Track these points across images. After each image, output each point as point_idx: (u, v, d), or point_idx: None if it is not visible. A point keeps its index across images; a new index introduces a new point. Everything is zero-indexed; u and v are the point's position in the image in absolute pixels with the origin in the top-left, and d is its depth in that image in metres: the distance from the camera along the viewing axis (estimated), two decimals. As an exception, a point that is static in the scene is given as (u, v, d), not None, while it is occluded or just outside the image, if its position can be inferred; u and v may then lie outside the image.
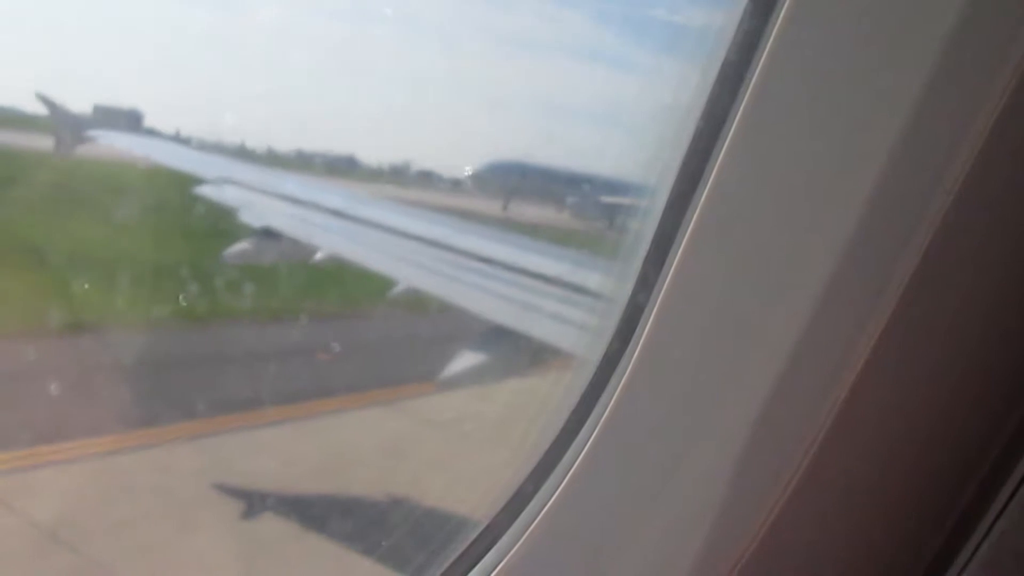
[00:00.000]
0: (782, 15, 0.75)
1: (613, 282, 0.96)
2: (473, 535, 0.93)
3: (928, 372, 0.78)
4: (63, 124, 5.17)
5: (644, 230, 0.88)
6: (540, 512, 0.88)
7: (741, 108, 0.77)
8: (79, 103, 5.15)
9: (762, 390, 0.78)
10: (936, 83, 0.71)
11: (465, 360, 4.03)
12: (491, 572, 0.89)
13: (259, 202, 5.35)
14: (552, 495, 0.87)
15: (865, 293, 0.75)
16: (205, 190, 5.32)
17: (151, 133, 5.65)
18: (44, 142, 5.20)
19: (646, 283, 0.85)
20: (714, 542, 0.81)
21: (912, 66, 0.71)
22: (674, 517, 0.83)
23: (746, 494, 0.80)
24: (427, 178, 5.49)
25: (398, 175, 5.64)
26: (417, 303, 4.65)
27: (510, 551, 0.89)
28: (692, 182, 0.81)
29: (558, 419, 0.92)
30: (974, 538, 0.81)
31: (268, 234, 5.07)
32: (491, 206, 5.64)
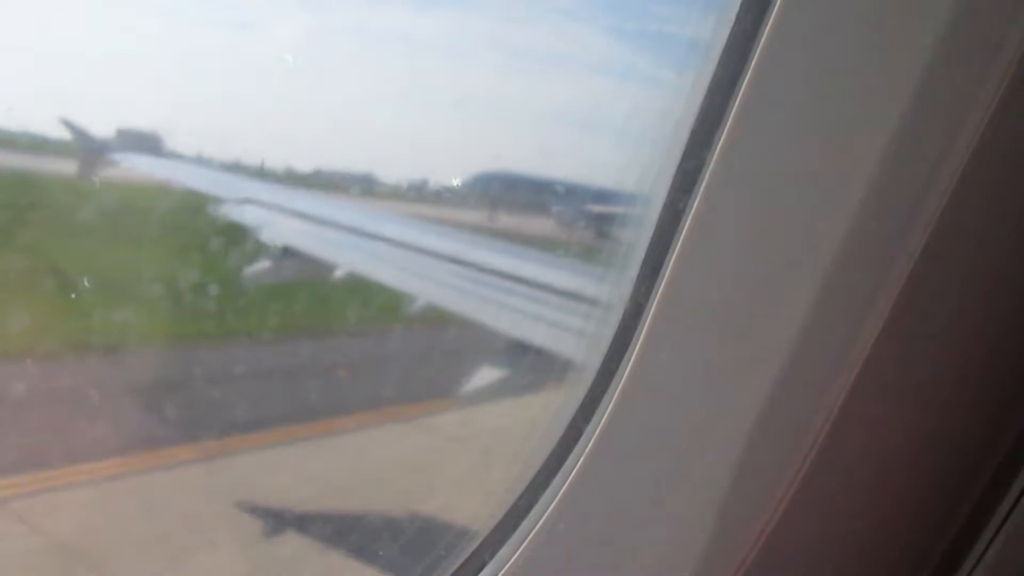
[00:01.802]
0: (772, 20, 0.75)
1: (613, 291, 0.96)
2: (472, 546, 0.92)
3: (927, 374, 0.77)
4: (86, 148, 5.27)
5: (640, 239, 0.88)
6: (539, 521, 0.87)
7: (732, 115, 0.77)
8: (101, 127, 5.23)
9: (759, 395, 0.77)
10: (928, 85, 0.70)
11: (484, 375, 4.04)
12: (490, 583, 0.89)
13: (278, 221, 5.40)
14: (551, 504, 0.87)
15: (861, 297, 0.74)
16: (225, 210, 5.38)
17: (172, 155, 5.73)
18: (68, 166, 5.29)
19: (641, 292, 0.85)
20: (714, 549, 0.81)
21: (904, 68, 0.71)
22: (673, 524, 0.82)
23: (745, 501, 0.79)
24: (441, 193, 5.52)
25: (414, 191, 5.68)
26: (435, 318, 4.67)
27: (509, 561, 0.88)
28: (685, 189, 0.81)
29: (558, 428, 0.92)
30: (979, 544, 0.80)
31: (288, 252, 5.11)
32: (503, 219, 5.66)
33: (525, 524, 0.89)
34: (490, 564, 0.91)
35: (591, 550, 0.85)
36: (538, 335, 3.62)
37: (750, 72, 0.76)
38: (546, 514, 0.87)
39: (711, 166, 0.78)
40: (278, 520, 3.83)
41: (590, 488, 0.85)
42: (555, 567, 0.88)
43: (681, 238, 0.80)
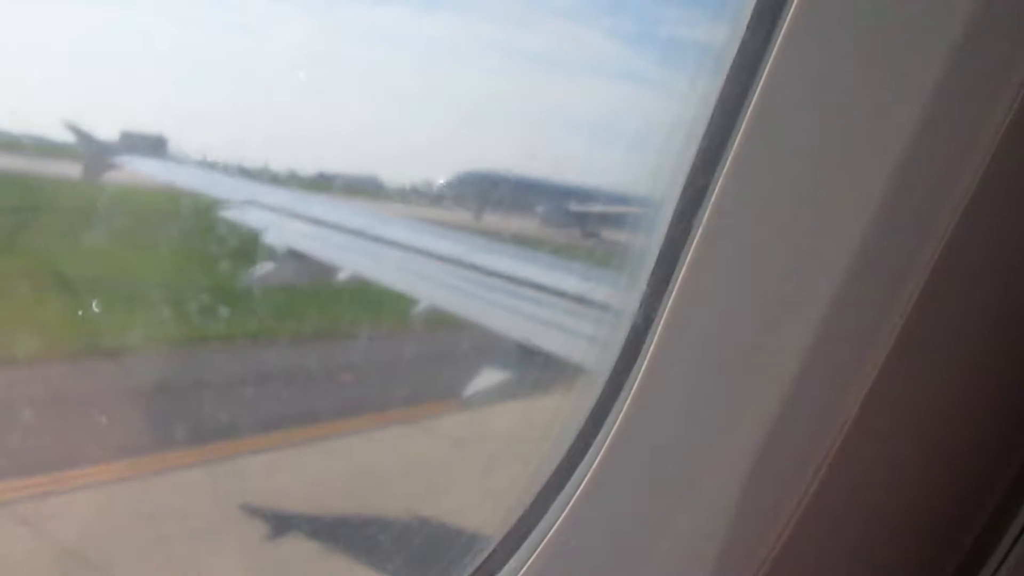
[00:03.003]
0: (784, 30, 0.74)
1: (623, 298, 0.96)
2: (482, 556, 0.92)
3: (939, 386, 0.77)
4: (90, 151, 5.27)
5: (651, 245, 0.88)
6: (549, 532, 0.87)
7: (743, 125, 0.76)
8: (106, 130, 5.24)
9: (771, 407, 0.77)
10: (942, 97, 0.70)
11: (488, 377, 4.04)
12: (500, 593, 0.89)
13: (282, 224, 5.41)
14: (561, 515, 0.87)
15: (873, 308, 0.74)
16: (230, 213, 5.38)
17: (176, 158, 5.73)
18: (72, 169, 5.29)
19: (652, 301, 0.84)
20: (725, 561, 0.80)
21: (917, 79, 0.70)
22: (684, 536, 0.82)
23: (756, 514, 0.79)
24: (444, 196, 5.52)
25: (417, 194, 5.68)
26: (439, 321, 4.67)
27: (520, 571, 0.88)
28: (696, 198, 0.81)
29: (567, 437, 0.92)
30: (992, 561, 0.79)
31: (292, 255, 5.12)
32: (509, 223, 5.66)
33: (535, 534, 0.88)
34: (502, 572, 0.90)
35: (601, 562, 0.85)
36: (546, 340, 3.62)
37: (762, 81, 0.75)
38: (556, 525, 0.86)
39: (722, 175, 0.77)
40: (284, 524, 3.83)
41: (600, 499, 0.85)
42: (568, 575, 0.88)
43: (692, 247, 0.79)
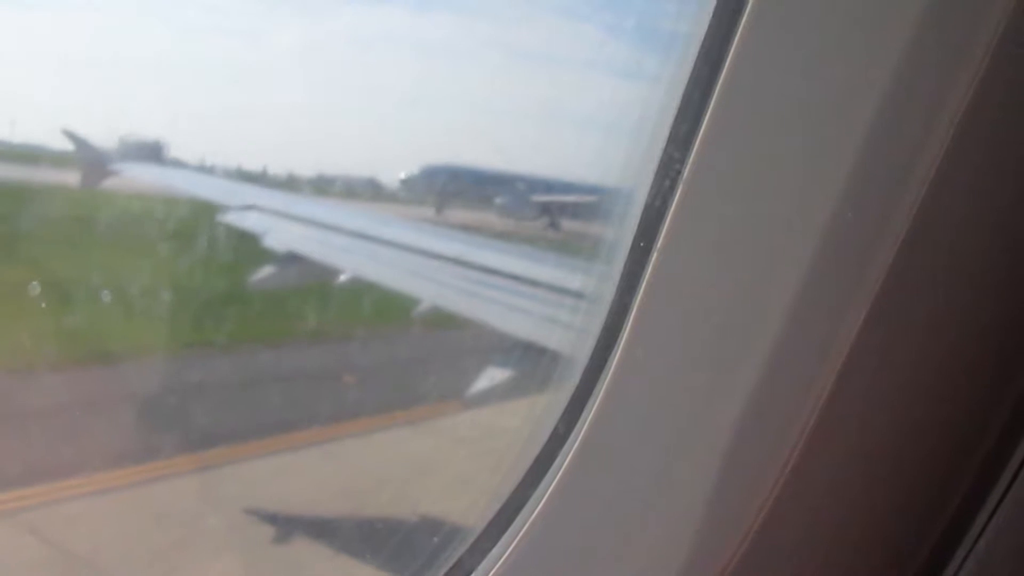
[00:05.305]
0: (748, 14, 0.75)
1: (605, 288, 0.96)
2: (463, 546, 0.92)
3: (911, 365, 0.77)
4: (88, 159, 5.30)
5: (625, 236, 0.88)
6: (528, 521, 0.87)
7: (710, 110, 0.77)
8: (103, 137, 5.27)
9: (744, 391, 0.77)
10: (904, 77, 0.70)
11: (490, 376, 4.04)
12: (479, 585, 0.89)
13: (282, 227, 5.42)
14: (539, 504, 0.87)
15: (843, 289, 0.74)
16: (229, 217, 5.41)
17: (174, 164, 5.75)
18: (70, 177, 5.31)
19: (625, 289, 0.85)
20: (702, 546, 0.80)
21: (880, 61, 0.71)
22: (661, 522, 0.82)
23: (732, 498, 0.79)
24: (440, 195, 5.54)
25: (414, 193, 5.70)
26: (441, 320, 4.68)
27: (500, 560, 0.88)
28: (667, 184, 0.81)
29: (547, 427, 0.92)
30: (969, 536, 0.79)
31: (292, 258, 5.13)
32: (510, 223, 5.67)
33: (515, 524, 0.89)
34: (482, 564, 0.91)
35: (579, 550, 0.85)
36: (541, 335, 3.63)
37: (727, 65, 0.75)
38: (535, 513, 0.86)
39: (690, 162, 0.78)
40: (282, 523, 3.85)
41: (577, 488, 0.85)
42: (546, 565, 0.88)
43: (663, 234, 0.79)
